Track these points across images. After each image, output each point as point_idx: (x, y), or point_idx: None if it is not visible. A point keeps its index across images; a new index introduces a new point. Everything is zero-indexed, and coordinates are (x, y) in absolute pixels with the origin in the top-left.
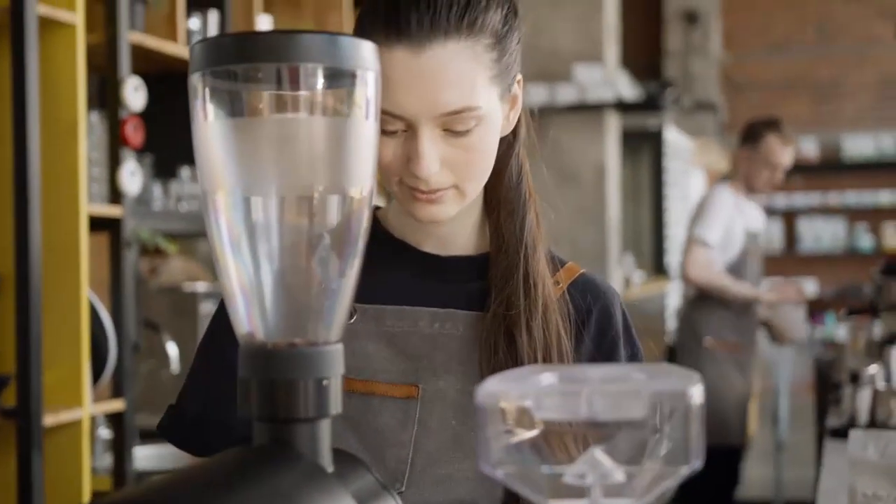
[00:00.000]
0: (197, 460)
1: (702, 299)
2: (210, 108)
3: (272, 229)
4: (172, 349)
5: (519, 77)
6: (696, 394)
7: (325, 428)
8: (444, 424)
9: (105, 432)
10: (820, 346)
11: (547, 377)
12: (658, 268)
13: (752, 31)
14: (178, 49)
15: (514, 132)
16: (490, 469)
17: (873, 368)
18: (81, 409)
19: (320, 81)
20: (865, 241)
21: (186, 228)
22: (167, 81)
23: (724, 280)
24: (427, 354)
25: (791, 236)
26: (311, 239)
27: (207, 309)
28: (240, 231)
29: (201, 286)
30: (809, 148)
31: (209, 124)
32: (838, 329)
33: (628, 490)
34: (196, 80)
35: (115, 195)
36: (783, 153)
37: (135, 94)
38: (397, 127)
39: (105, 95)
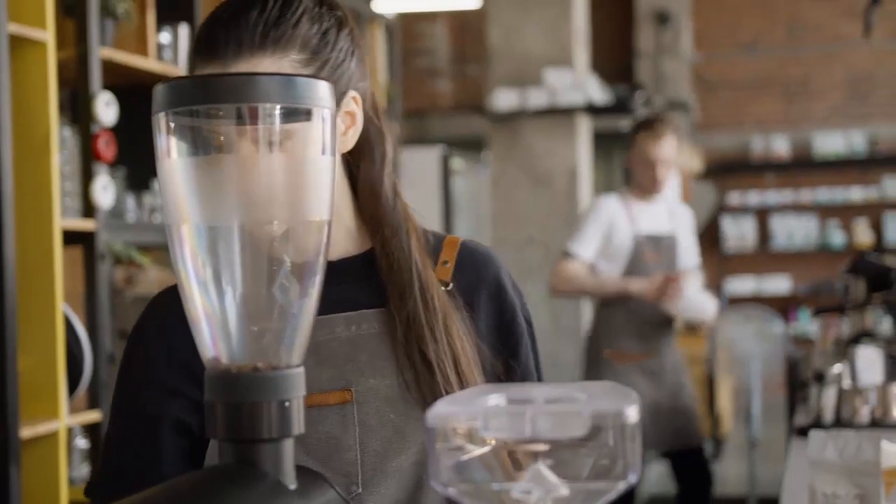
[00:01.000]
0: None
1: (604, 309)
2: (173, 145)
3: (234, 259)
4: None
5: (355, 94)
6: (632, 413)
7: (287, 447)
8: (383, 420)
9: (82, 443)
10: (792, 343)
11: (494, 398)
12: None
13: (722, 31)
14: (149, 63)
15: (383, 152)
16: (441, 487)
17: (838, 367)
18: (58, 421)
19: (278, 119)
20: (837, 238)
21: (161, 240)
22: (138, 95)
23: (585, 283)
24: (351, 358)
25: (764, 233)
26: (272, 267)
27: None
28: (204, 260)
29: None
30: (781, 146)
31: (172, 161)
32: (811, 325)
33: None
34: (160, 120)
35: (89, 209)
36: (655, 148)
37: (106, 109)
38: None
39: (77, 110)
